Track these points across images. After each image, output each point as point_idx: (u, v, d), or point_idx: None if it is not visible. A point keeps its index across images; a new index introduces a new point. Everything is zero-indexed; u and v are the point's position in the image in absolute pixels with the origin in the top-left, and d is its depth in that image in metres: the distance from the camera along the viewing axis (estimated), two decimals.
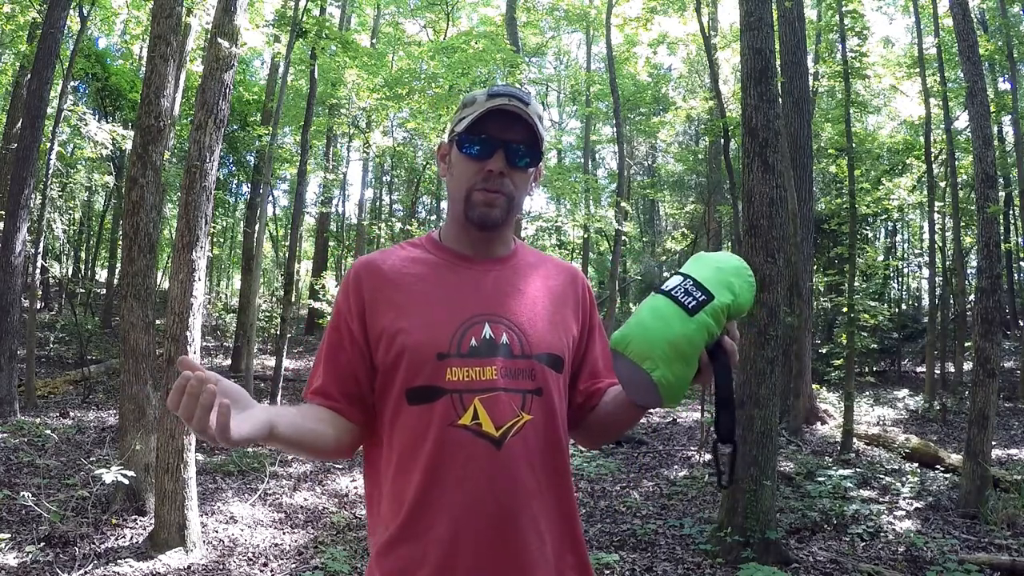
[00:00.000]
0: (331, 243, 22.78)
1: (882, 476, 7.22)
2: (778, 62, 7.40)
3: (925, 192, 14.24)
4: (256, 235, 11.96)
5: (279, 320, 11.78)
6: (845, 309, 10.24)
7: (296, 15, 10.12)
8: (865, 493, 6.71)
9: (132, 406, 5.27)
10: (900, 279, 23.68)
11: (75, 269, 20.56)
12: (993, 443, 6.80)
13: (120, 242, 11.37)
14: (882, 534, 5.55)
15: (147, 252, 5.34)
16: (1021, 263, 20.99)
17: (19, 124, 10.16)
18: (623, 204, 15.56)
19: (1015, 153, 13.20)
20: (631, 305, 21.04)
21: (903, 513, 6.24)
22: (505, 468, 1.23)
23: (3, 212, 9.04)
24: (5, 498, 5.14)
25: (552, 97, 27.09)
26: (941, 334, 14.36)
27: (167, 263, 16.49)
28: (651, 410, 1.31)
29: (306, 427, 1.23)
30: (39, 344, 12.60)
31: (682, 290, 1.21)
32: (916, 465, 7.93)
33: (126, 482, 4.86)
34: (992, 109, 8.97)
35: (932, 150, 12.97)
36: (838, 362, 13.30)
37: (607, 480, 7.38)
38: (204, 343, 15.03)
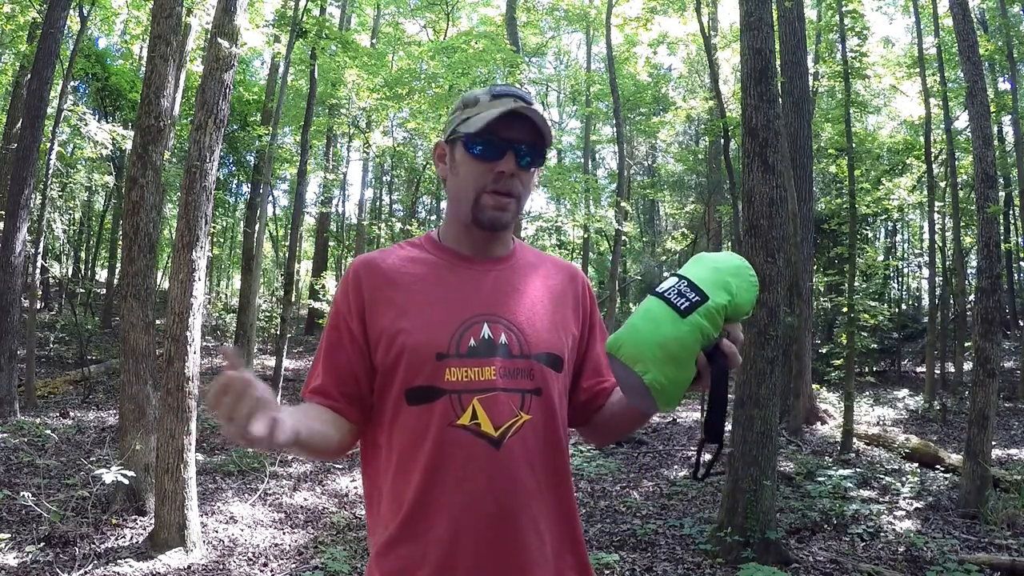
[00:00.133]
0: (331, 243, 22.79)
1: (882, 476, 7.22)
2: (778, 62, 7.40)
3: (925, 192, 14.24)
4: (256, 235, 11.96)
5: (279, 320, 11.79)
6: (845, 309, 10.24)
7: (296, 15, 10.13)
8: (865, 493, 6.71)
9: (132, 406, 5.27)
10: (900, 279, 23.69)
11: (75, 269, 20.57)
12: (993, 443, 6.80)
13: (120, 242, 11.37)
14: (882, 534, 5.55)
15: (147, 252, 5.34)
16: (1021, 263, 21.00)
17: (19, 124, 10.16)
18: (623, 204, 15.56)
19: (1015, 153, 13.20)
20: (631, 305, 21.04)
21: (903, 513, 6.24)
22: (504, 468, 1.23)
23: (3, 212, 9.04)
24: (5, 498, 5.13)
25: (552, 97, 27.09)
26: (941, 334, 14.36)
27: (167, 263, 16.49)
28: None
29: (315, 429, 1.22)
30: (39, 344, 12.60)
31: (675, 291, 1.18)
32: (916, 465, 7.93)
33: (126, 482, 4.86)
34: (992, 109, 8.97)
35: (932, 150, 12.97)
36: (838, 362, 13.30)
37: (607, 480, 7.38)
38: (204, 343, 15.01)
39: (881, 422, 11.11)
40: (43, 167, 10.22)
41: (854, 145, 10.96)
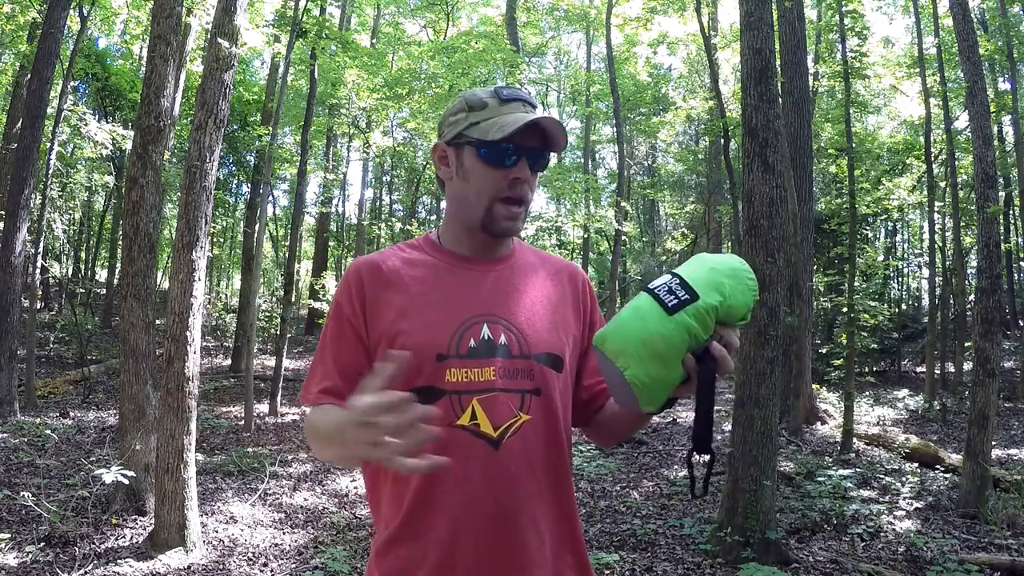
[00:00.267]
0: (331, 243, 22.79)
1: (882, 476, 7.21)
2: (778, 62, 7.40)
3: (925, 192, 14.23)
4: (256, 235, 11.95)
5: (279, 320, 11.79)
6: (845, 309, 10.24)
7: (296, 15, 10.13)
8: (865, 493, 6.70)
9: (132, 406, 5.27)
10: (900, 279, 23.69)
11: (75, 269, 20.58)
12: (993, 443, 6.79)
13: (120, 242, 11.38)
14: (882, 534, 5.55)
15: (147, 252, 5.35)
16: (1021, 263, 21.00)
17: (19, 124, 10.16)
18: (623, 204, 15.57)
19: (1015, 153, 13.20)
20: None
21: (903, 513, 6.24)
22: (504, 468, 1.23)
23: (3, 212, 9.04)
24: (5, 498, 5.14)
25: (552, 97, 27.09)
26: (941, 334, 14.36)
27: (167, 263, 16.50)
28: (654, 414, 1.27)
29: None
30: (39, 344, 12.60)
31: (666, 288, 1.16)
32: (916, 465, 7.93)
33: (126, 482, 4.86)
34: (992, 109, 8.97)
35: (932, 150, 12.96)
36: (838, 362, 13.29)
37: (607, 480, 7.38)
38: (204, 343, 15.03)
39: (881, 422, 11.11)
40: (43, 167, 10.23)
41: (854, 145, 10.95)
